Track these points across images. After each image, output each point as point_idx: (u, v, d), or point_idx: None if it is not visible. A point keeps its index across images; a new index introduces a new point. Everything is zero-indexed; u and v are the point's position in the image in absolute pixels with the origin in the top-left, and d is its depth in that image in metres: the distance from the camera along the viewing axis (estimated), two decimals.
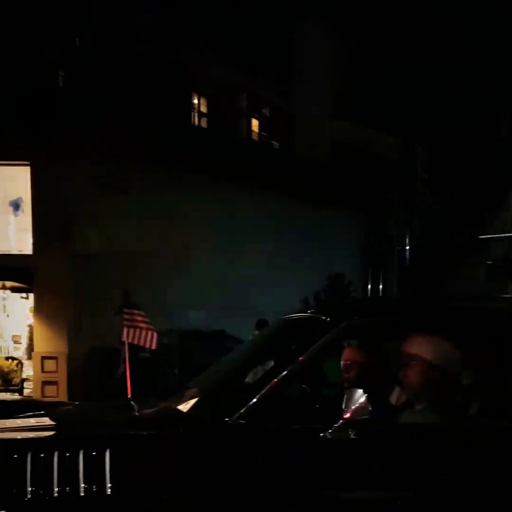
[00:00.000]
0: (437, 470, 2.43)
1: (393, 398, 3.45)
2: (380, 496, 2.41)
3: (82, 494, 2.27)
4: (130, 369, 8.85)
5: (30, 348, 11.19)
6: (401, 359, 2.93)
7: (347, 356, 3.54)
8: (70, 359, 10.59)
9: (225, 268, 13.17)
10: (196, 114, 17.78)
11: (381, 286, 16.93)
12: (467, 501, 2.44)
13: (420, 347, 2.86)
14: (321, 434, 2.42)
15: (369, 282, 16.75)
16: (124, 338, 6.37)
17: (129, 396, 4.91)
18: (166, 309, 11.47)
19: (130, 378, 8.67)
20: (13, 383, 10.96)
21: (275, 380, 2.55)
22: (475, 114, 4.94)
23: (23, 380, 10.91)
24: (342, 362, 3.57)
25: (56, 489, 2.27)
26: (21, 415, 3.04)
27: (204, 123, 18.00)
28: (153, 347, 6.62)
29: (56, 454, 2.31)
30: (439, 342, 2.89)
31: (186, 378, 7.60)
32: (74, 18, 12.37)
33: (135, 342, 6.43)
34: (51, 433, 2.68)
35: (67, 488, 2.28)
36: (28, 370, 10.94)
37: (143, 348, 8.87)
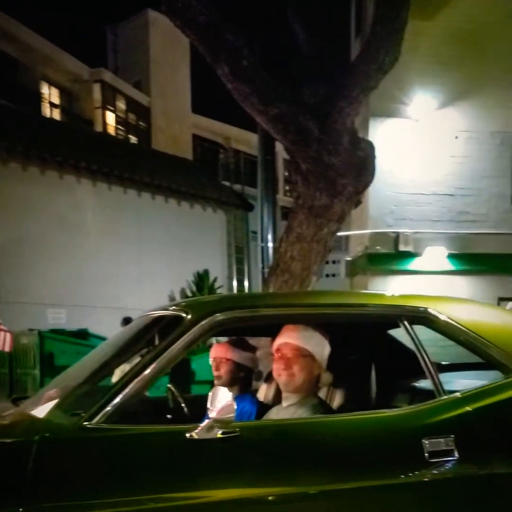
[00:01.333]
0: (307, 465, 2.44)
1: (261, 395, 3.44)
2: (250, 493, 2.35)
3: None
4: None
5: None
6: (277, 353, 2.87)
7: (215, 353, 3.51)
8: None
9: (86, 265, 12.71)
10: (48, 105, 16.99)
11: (246, 283, 17.06)
12: (337, 495, 2.43)
13: (306, 341, 2.83)
14: (187, 435, 2.33)
15: (235, 278, 16.83)
16: None
17: None
18: (24, 308, 10.85)
19: None
20: None
21: (137, 380, 2.42)
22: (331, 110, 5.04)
23: None
24: (210, 360, 3.52)
25: None
26: None
27: (57, 115, 17.27)
28: (7, 349, 6.17)
29: None
30: (317, 336, 2.88)
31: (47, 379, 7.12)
32: None
33: None
34: None
35: None
36: None
37: None
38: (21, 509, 2.10)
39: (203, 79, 18.49)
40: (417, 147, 10.53)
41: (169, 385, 3.67)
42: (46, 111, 16.96)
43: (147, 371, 2.43)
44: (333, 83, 5.76)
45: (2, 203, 11.56)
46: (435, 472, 2.50)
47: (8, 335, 6.06)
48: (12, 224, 11.59)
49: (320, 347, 2.86)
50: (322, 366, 2.88)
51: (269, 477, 2.39)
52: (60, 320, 12.28)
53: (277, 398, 3.04)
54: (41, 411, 2.50)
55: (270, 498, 2.36)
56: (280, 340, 2.88)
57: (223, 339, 3.75)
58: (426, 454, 2.49)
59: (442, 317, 2.85)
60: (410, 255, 10.35)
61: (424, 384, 2.88)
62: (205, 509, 2.31)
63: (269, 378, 3.46)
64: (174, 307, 2.83)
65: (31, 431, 2.32)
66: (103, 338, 9.87)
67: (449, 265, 10.31)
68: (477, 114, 10.59)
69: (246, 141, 20.82)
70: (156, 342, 2.94)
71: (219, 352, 3.50)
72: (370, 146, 6.08)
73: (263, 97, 5.68)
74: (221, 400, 2.33)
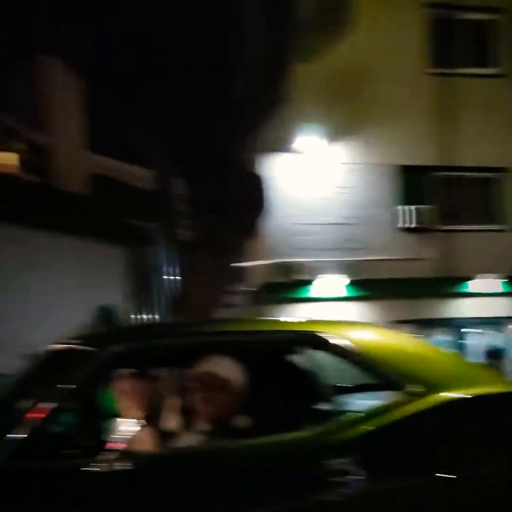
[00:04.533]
0: (220, 492, 2.41)
1: (170, 425, 3.33)
2: None
3: None
4: None
5: None
6: (192, 382, 2.90)
7: (118, 385, 3.42)
8: None
9: None
10: None
11: (149, 316, 16.80)
12: None
13: (224, 370, 2.87)
14: (92, 469, 2.27)
15: (137, 313, 16.58)
16: None
17: None
18: None
19: None
20: None
21: (40, 415, 2.38)
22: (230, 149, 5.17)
23: None
24: (115, 392, 3.44)
25: None
26: None
27: None
28: None
29: None
30: (233, 365, 2.92)
31: None
32: None
33: None
34: None
35: None
36: None
37: None
38: None
39: (100, 119, 18.28)
40: (308, 180, 10.99)
41: (71, 419, 3.61)
42: None
43: (50, 407, 2.37)
44: (225, 121, 5.93)
45: None
46: (341, 491, 2.49)
47: None
48: None
49: (237, 375, 2.89)
50: (239, 394, 2.89)
51: (178, 508, 2.31)
52: None
53: (189, 428, 3.00)
54: None
55: None
56: (199, 369, 2.88)
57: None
58: (331, 474, 2.49)
59: (333, 341, 2.89)
60: (306, 283, 10.67)
61: (327, 406, 2.90)
62: None
63: (173, 407, 3.38)
64: (76, 340, 2.79)
65: None
66: (3, 376, 9.41)
67: (343, 291, 10.74)
68: (360, 148, 11.26)
69: (146, 178, 20.66)
70: (58, 377, 2.92)
71: (121, 384, 3.39)
72: (264, 181, 6.32)
73: (158, 136, 5.77)
74: (125, 431, 2.31)
